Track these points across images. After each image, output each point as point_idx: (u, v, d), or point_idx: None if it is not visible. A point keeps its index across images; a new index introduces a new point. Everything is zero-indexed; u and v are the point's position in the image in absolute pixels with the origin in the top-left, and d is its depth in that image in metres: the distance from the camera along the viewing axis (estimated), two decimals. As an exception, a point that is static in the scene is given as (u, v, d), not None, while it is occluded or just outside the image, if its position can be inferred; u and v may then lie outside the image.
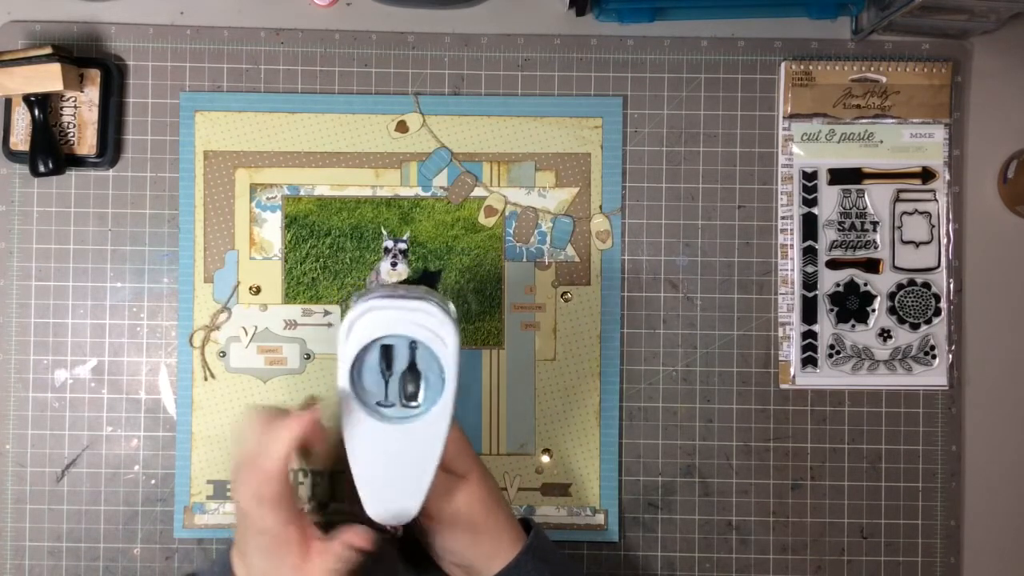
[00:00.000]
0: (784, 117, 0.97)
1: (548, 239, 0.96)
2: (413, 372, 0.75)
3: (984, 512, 0.97)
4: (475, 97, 0.96)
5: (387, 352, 0.75)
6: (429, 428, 0.74)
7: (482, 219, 0.96)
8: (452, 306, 0.76)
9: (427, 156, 0.96)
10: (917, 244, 0.97)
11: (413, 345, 0.75)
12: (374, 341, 0.74)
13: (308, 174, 0.95)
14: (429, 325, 0.73)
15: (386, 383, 0.75)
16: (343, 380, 0.74)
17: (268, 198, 0.95)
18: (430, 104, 0.96)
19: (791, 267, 0.97)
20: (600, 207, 0.96)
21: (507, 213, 0.96)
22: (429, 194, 0.96)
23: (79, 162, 0.94)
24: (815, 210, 0.97)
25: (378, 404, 0.76)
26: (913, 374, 0.96)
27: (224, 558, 0.78)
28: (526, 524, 0.85)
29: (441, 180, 0.96)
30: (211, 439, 0.95)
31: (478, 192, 0.96)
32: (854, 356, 0.96)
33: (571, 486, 0.96)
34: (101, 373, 0.95)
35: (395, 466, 0.75)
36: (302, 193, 0.95)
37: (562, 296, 0.96)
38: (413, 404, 0.75)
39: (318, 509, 0.79)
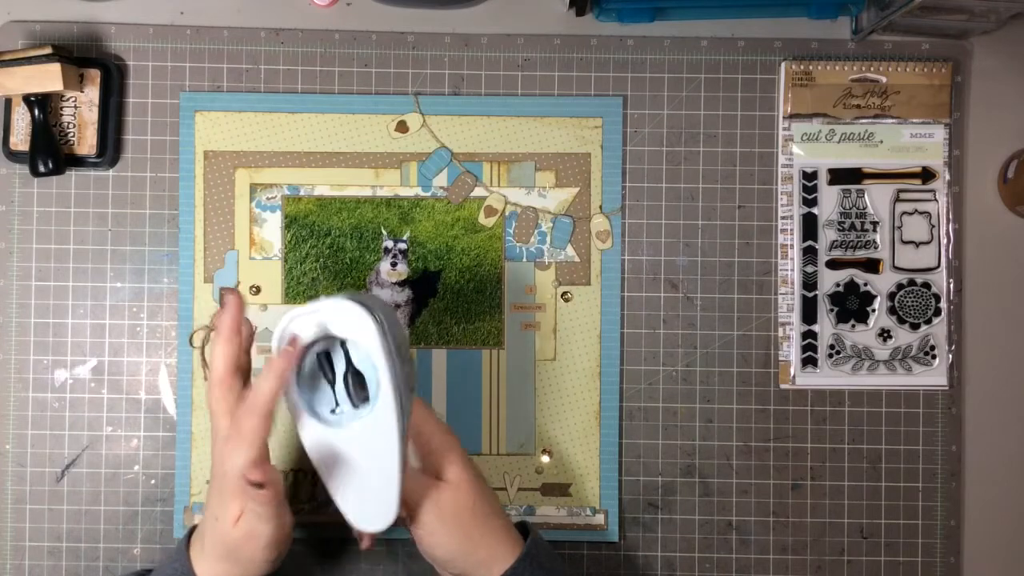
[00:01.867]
0: (784, 117, 0.97)
1: (548, 239, 0.96)
2: (357, 374, 0.76)
3: (984, 512, 0.97)
4: (475, 97, 0.96)
5: (327, 361, 0.76)
6: (382, 419, 0.75)
7: (482, 219, 0.96)
8: (382, 315, 0.76)
9: (427, 156, 0.96)
10: (917, 244, 0.97)
11: (345, 345, 0.76)
12: (307, 350, 0.75)
13: (308, 174, 0.95)
14: (346, 319, 0.74)
15: (333, 391, 0.76)
16: (292, 397, 0.76)
17: (268, 198, 0.95)
18: (430, 104, 0.96)
19: (791, 267, 0.97)
20: (600, 207, 0.96)
21: (507, 213, 0.96)
22: (429, 194, 0.96)
23: (79, 162, 0.94)
24: (815, 210, 0.97)
25: (331, 412, 0.76)
26: (913, 374, 0.96)
27: (180, 544, 0.81)
28: (523, 528, 0.85)
29: (441, 180, 0.96)
30: (211, 439, 0.94)
31: (478, 192, 0.96)
32: (854, 356, 0.96)
33: (571, 486, 0.96)
34: (101, 373, 0.95)
35: (363, 469, 0.76)
36: (302, 193, 0.95)
37: (562, 296, 0.96)
38: (365, 404, 0.76)
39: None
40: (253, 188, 0.95)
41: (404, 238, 0.95)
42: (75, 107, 0.94)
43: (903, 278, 0.97)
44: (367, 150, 0.95)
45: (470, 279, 0.95)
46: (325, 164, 0.95)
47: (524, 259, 0.96)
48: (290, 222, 0.95)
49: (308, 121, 0.95)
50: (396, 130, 0.96)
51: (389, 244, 0.95)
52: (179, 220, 0.95)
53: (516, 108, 0.96)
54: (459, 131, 0.96)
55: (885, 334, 0.96)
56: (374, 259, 0.95)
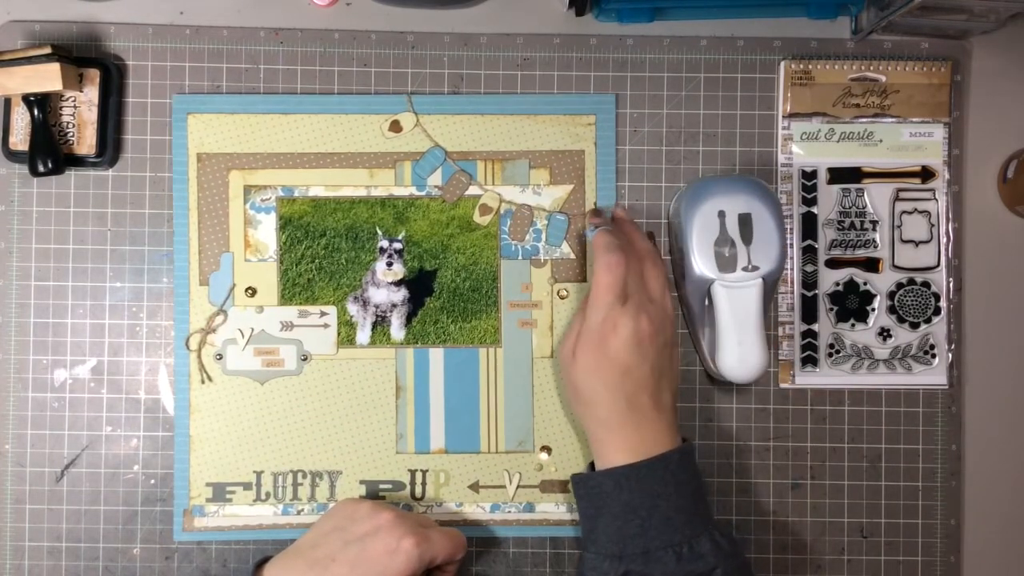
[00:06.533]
0: (783, 116, 0.97)
1: (543, 236, 0.96)
2: (747, 241, 0.88)
3: (984, 512, 0.97)
4: (467, 96, 0.96)
5: (723, 226, 0.89)
6: (754, 287, 0.88)
7: (477, 218, 0.96)
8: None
9: (421, 155, 0.96)
10: (917, 243, 0.96)
11: (744, 217, 0.89)
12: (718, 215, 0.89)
13: (302, 175, 0.95)
14: (754, 196, 0.89)
15: (726, 255, 0.88)
16: (699, 258, 0.89)
17: (262, 200, 0.95)
18: (423, 103, 0.96)
19: (790, 266, 0.96)
20: (595, 204, 0.96)
21: (502, 211, 0.96)
22: (424, 193, 0.96)
23: (78, 162, 0.94)
24: (814, 209, 0.96)
25: (722, 272, 0.89)
26: (913, 373, 0.96)
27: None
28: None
29: (435, 179, 0.96)
30: (209, 441, 0.95)
31: (473, 191, 0.96)
32: (854, 355, 0.96)
33: (570, 483, 0.96)
34: (100, 373, 0.96)
35: (734, 323, 0.88)
36: (296, 194, 0.95)
37: (558, 293, 0.96)
38: (750, 268, 0.88)
39: None
40: (247, 190, 0.95)
41: (399, 238, 0.95)
42: (74, 107, 0.94)
43: (903, 277, 0.96)
44: (361, 150, 0.96)
45: (466, 278, 0.96)
46: (319, 165, 0.95)
47: (520, 257, 0.96)
48: (285, 223, 0.95)
49: (301, 122, 0.95)
50: (390, 130, 0.96)
51: (384, 244, 0.95)
52: (173, 223, 0.95)
53: (509, 106, 0.96)
54: (452, 130, 0.96)
55: (885, 333, 0.96)
56: (370, 259, 0.95)
